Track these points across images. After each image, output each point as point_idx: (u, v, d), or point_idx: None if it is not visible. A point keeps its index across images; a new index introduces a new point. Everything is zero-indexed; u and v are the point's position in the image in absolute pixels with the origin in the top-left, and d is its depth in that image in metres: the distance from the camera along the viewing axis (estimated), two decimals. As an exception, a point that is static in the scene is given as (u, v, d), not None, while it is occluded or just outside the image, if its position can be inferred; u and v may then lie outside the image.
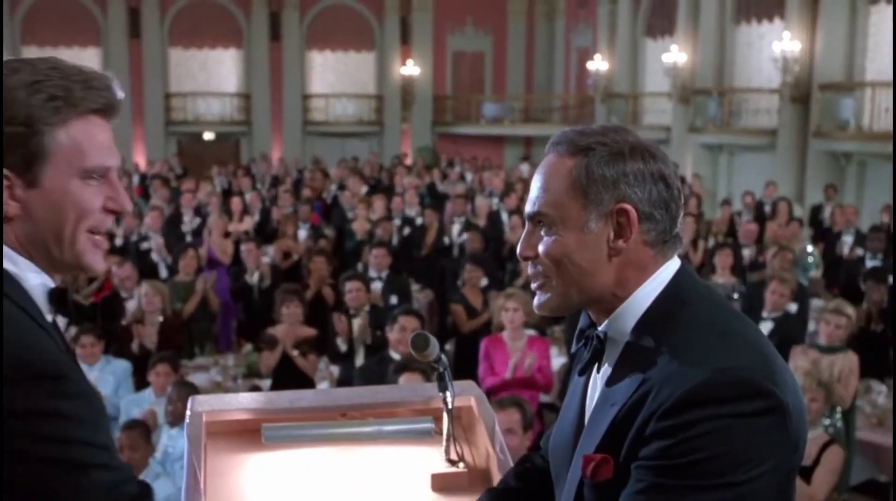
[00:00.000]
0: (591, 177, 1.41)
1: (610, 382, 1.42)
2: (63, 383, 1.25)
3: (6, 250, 1.33)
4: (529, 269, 1.49)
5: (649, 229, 1.42)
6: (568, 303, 1.46)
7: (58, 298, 1.38)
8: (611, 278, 1.42)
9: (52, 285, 1.38)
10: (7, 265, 1.32)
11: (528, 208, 1.48)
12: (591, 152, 1.42)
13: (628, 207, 1.40)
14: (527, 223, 1.50)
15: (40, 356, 1.25)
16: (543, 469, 1.65)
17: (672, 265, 1.45)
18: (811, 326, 6.98)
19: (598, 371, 1.49)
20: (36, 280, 1.35)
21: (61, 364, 1.26)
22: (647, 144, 1.46)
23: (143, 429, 4.66)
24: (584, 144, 1.43)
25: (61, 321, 1.44)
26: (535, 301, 1.48)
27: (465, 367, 6.13)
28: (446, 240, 10.02)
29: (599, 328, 1.47)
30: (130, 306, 7.02)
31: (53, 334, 1.34)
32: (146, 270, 8.30)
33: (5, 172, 1.30)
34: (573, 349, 1.56)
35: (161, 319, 6.57)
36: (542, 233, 1.45)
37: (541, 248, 1.45)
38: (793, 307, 6.68)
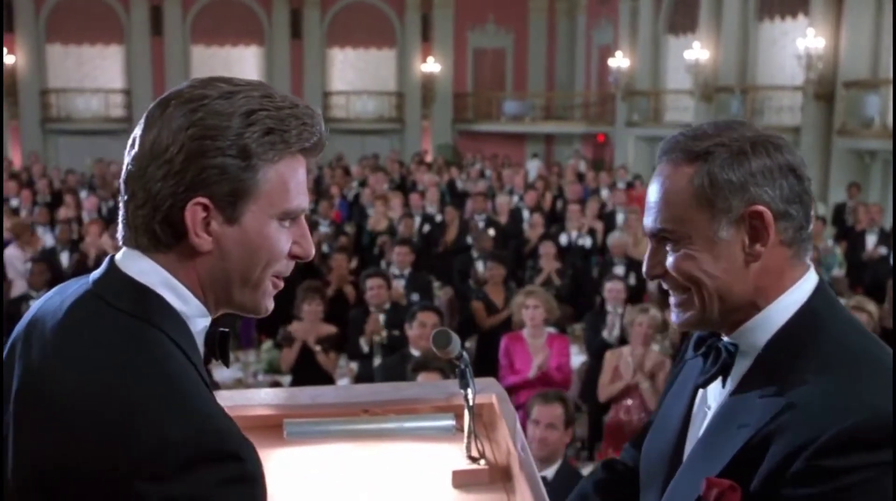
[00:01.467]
0: (715, 184, 1.31)
1: (737, 399, 1.33)
2: (243, 465, 1.13)
3: (179, 285, 1.23)
4: (664, 286, 1.41)
5: (786, 228, 1.32)
6: (710, 318, 1.36)
7: (220, 342, 1.30)
8: (749, 286, 1.33)
9: (208, 323, 1.28)
10: (176, 304, 1.22)
11: (649, 223, 1.39)
12: (710, 157, 1.32)
13: (761, 208, 1.30)
14: (650, 241, 1.42)
15: (219, 429, 1.12)
16: (626, 477, 1.60)
17: (811, 279, 1.37)
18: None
19: (723, 385, 1.39)
20: (201, 324, 1.26)
21: (240, 440, 1.14)
22: (768, 134, 1.35)
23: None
24: (700, 149, 1.33)
25: None
26: (674, 318, 1.41)
27: (486, 364, 6.13)
28: (469, 239, 10.02)
29: (726, 339, 1.38)
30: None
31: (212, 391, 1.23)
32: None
33: (206, 201, 1.20)
34: (689, 355, 1.49)
35: None
36: (669, 249, 1.37)
37: (670, 264, 1.37)
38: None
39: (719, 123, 1.38)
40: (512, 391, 5.41)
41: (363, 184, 14.34)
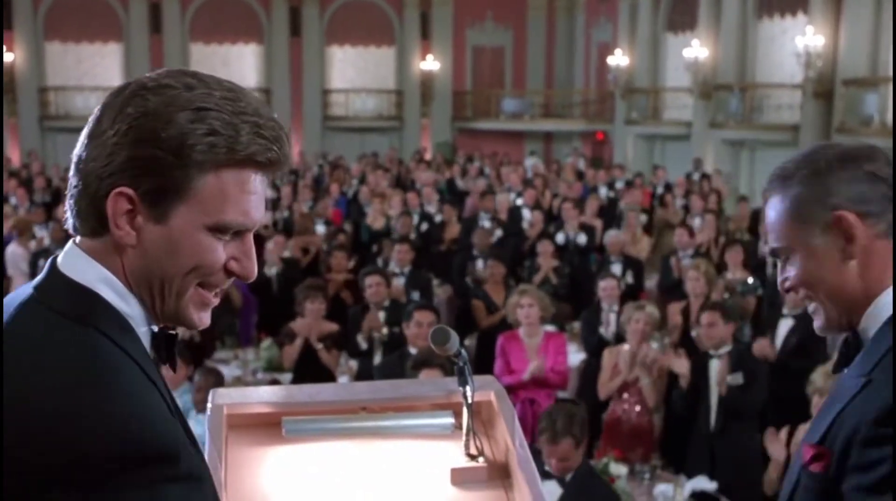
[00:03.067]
0: (797, 201, 1.51)
1: (842, 381, 1.50)
2: (175, 466, 1.08)
3: (118, 284, 1.18)
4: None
5: (875, 223, 1.48)
6: (834, 318, 1.54)
7: (165, 343, 1.25)
8: (857, 283, 1.49)
9: (155, 327, 1.23)
10: (117, 303, 1.17)
11: (766, 248, 1.64)
12: (792, 180, 1.53)
13: (843, 213, 1.46)
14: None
15: (144, 430, 1.07)
16: None
17: None
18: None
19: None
20: (143, 324, 1.21)
21: (173, 440, 1.10)
22: (850, 148, 1.53)
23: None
24: (786, 175, 1.54)
25: None
26: (815, 325, 1.60)
27: (485, 362, 6.13)
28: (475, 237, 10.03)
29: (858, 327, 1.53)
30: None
31: (163, 390, 1.18)
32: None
33: (130, 193, 1.14)
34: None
35: None
36: (788, 266, 1.56)
37: (790, 278, 1.55)
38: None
39: (810, 148, 1.57)
40: (508, 391, 5.42)
41: (362, 182, 14.34)
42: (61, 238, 9.03)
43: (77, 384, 1.06)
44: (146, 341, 1.21)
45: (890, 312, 1.45)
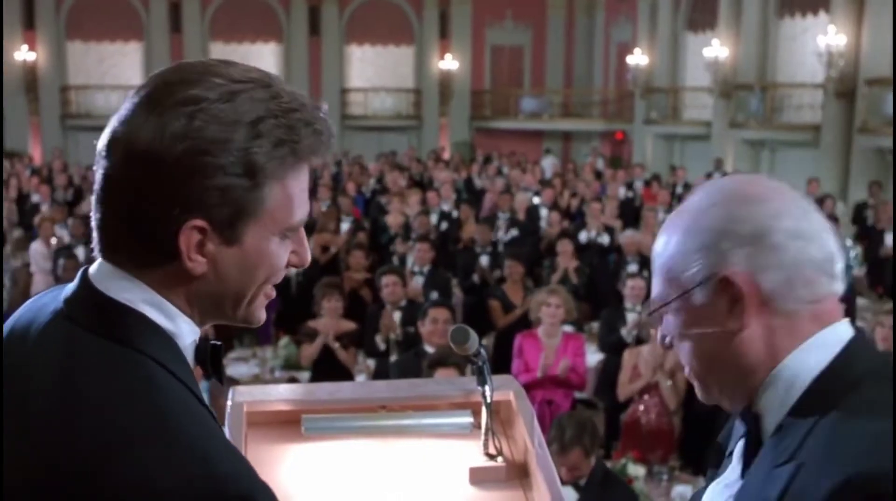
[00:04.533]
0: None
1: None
2: None
3: (164, 303, 1.09)
4: None
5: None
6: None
7: (212, 356, 1.16)
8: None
9: (198, 335, 1.14)
10: (162, 322, 1.08)
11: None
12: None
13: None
14: None
15: (218, 473, 0.97)
16: None
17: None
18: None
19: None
20: (189, 338, 1.13)
21: (249, 482, 1.00)
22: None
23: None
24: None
25: None
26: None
27: (503, 362, 6.13)
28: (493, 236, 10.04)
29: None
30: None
31: (211, 410, 1.09)
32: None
33: (203, 224, 1.05)
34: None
35: None
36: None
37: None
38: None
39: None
40: (526, 391, 5.41)
41: (380, 181, 14.37)
42: (81, 234, 9.14)
43: (140, 415, 0.98)
44: (189, 354, 1.14)
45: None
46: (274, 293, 1.19)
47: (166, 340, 1.08)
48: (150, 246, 1.06)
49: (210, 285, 1.10)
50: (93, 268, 1.12)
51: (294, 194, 1.11)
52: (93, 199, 1.11)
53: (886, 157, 14.97)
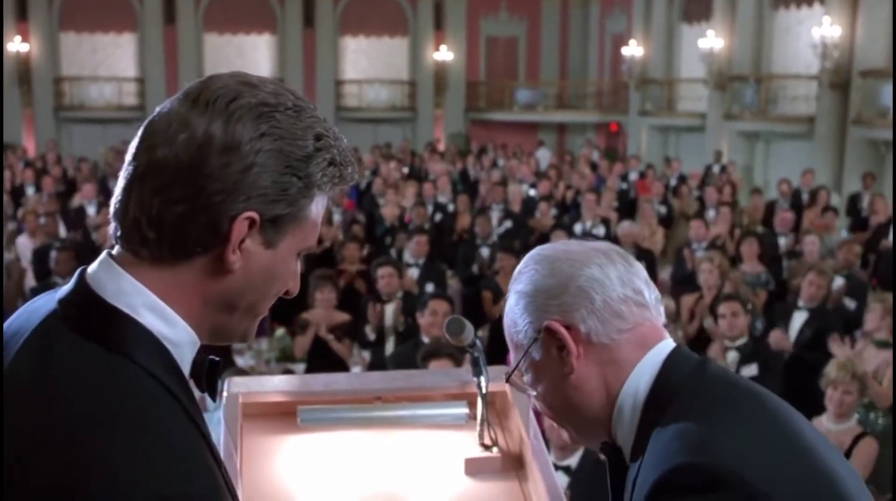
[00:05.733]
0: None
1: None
2: None
3: (167, 310, 1.07)
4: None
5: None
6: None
7: (208, 373, 1.15)
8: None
9: (197, 347, 1.13)
10: (159, 328, 1.07)
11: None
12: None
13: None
14: None
15: (184, 493, 0.95)
16: None
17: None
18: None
19: None
20: (188, 348, 1.11)
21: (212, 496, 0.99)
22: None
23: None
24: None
25: None
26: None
27: (499, 353, 6.14)
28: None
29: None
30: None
31: (201, 424, 1.07)
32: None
33: (257, 217, 1.07)
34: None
35: None
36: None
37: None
38: (851, 304, 6.63)
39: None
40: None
41: (375, 173, 14.35)
42: (77, 228, 9.11)
43: (123, 428, 0.97)
44: (186, 366, 1.11)
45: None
46: (266, 312, 1.20)
47: (160, 348, 1.06)
48: (195, 236, 1.05)
49: (234, 285, 1.10)
50: (92, 267, 1.10)
51: (321, 216, 1.16)
52: (120, 185, 1.09)
53: (880, 148, 15.00)
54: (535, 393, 1.43)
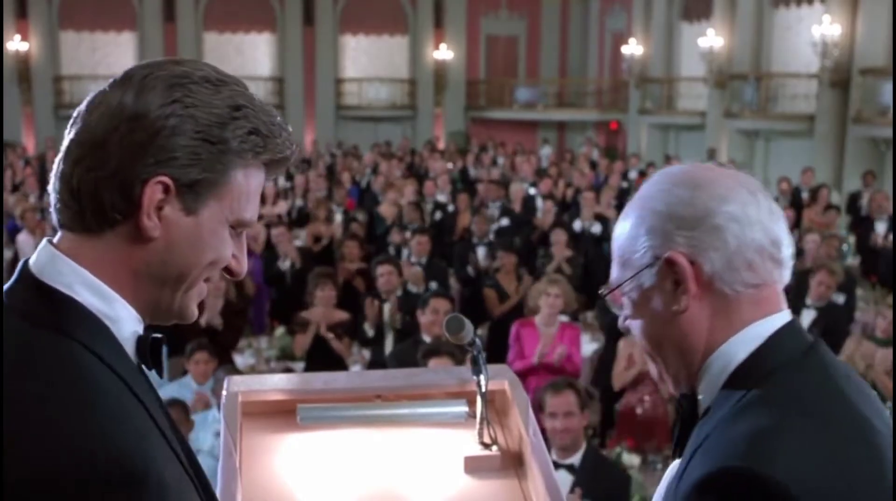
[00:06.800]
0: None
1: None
2: (138, 491, 0.98)
3: (101, 286, 1.11)
4: None
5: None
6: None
7: (152, 350, 1.17)
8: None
9: (141, 332, 1.16)
10: (97, 306, 1.10)
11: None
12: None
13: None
14: None
15: (119, 449, 0.99)
16: None
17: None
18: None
19: None
20: (128, 325, 1.13)
21: (143, 459, 1.00)
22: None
23: (181, 407, 4.74)
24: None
25: None
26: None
27: (498, 352, 6.14)
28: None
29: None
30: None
31: (148, 401, 1.11)
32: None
33: (169, 183, 1.10)
34: None
35: (223, 301, 6.54)
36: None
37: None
38: (840, 298, 6.61)
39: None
40: (520, 377, 5.42)
41: (375, 171, 14.35)
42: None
43: (41, 399, 1.00)
44: (131, 345, 1.14)
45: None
46: (206, 292, 1.22)
47: (100, 326, 1.10)
48: (114, 198, 1.09)
49: (158, 254, 1.12)
50: (34, 255, 1.14)
51: (252, 189, 1.17)
52: (55, 169, 1.13)
53: (880, 146, 14.99)
54: (627, 316, 1.35)
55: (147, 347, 1.16)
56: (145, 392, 1.11)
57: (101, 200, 1.09)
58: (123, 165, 1.09)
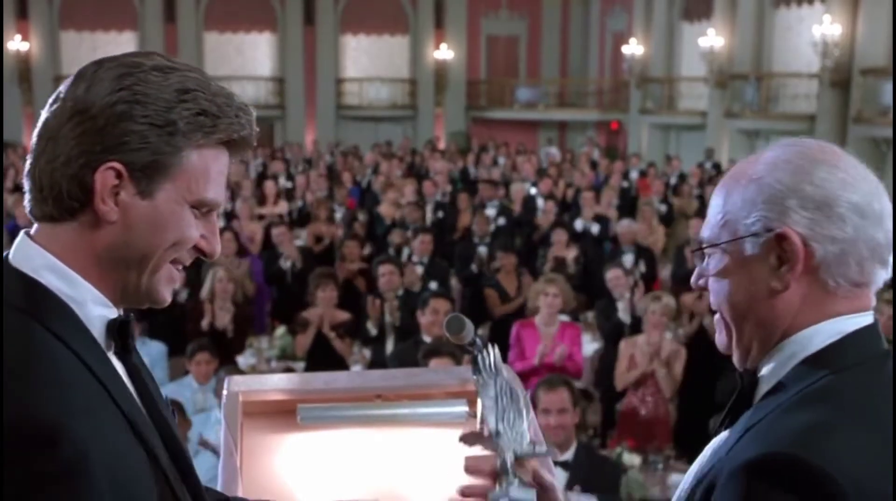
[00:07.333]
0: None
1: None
2: (54, 449, 1.00)
3: (64, 269, 1.15)
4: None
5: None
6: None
7: (119, 331, 1.20)
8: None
9: (114, 315, 1.20)
10: (61, 288, 1.15)
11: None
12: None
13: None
14: None
15: (30, 412, 1.01)
16: None
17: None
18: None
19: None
20: (95, 307, 1.17)
21: (58, 422, 1.02)
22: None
23: (178, 407, 4.75)
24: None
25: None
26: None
27: (499, 352, 6.14)
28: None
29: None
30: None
31: (106, 377, 1.14)
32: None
33: (120, 168, 1.14)
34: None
35: (232, 303, 6.55)
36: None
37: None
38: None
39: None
40: (522, 380, 5.42)
41: (376, 171, 14.35)
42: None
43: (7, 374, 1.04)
44: (100, 325, 1.18)
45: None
46: (180, 276, 1.24)
47: (61, 307, 1.14)
48: (70, 187, 1.14)
49: (118, 238, 1.16)
50: (13, 245, 1.20)
51: (210, 168, 1.20)
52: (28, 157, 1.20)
53: (881, 146, 14.98)
54: (709, 276, 1.30)
55: (115, 329, 1.19)
56: (106, 370, 1.14)
57: (60, 189, 1.15)
58: (75, 155, 1.14)
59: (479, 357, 1.71)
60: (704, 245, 1.31)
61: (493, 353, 1.61)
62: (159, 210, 1.17)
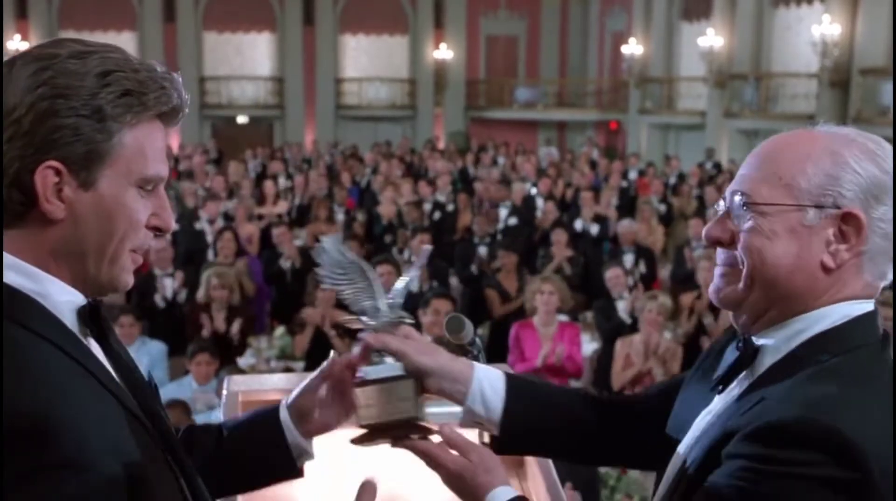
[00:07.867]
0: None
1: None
2: (45, 444, 1.01)
3: (24, 266, 1.15)
4: None
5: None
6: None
7: (90, 316, 1.21)
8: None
9: (82, 302, 1.21)
10: (23, 284, 1.15)
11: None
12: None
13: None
14: None
15: (21, 408, 1.02)
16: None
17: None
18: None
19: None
20: (62, 298, 1.18)
21: (46, 415, 1.03)
22: None
23: (183, 407, 4.75)
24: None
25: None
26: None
27: (499, 352, 6.14)
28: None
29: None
30: (167, 283, 7.07)
31: (87, 358, 1.16)
32: (196, 250, 8.48)
33: (58, 165, 1.13)
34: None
35: (226, 306, 6.55)
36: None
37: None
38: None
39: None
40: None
41: (375, 171, 14.35)
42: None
43: None
44: (70, 313, 1.19)
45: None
46: (141, 260, 1.25)
47: (27, 301, 1.14)
48: (11, 194, 1.14)
49: (70, 234, 1.16)
50: None
51: (146, 145, 1.19)
52: None
53: (880, 146, 14.97)
54: (749, 232, 1.28)
55: (87, 315, 1.21)
56: (84, 354, 1.16)
57: (6, 200, 1.15)
58: (11, 161, 1.13)
59: (480, 357, 1.72)
60: (755, 202, 1.28)
61: (343, 249, 1.68)
62: (104, 199, 1.17)
